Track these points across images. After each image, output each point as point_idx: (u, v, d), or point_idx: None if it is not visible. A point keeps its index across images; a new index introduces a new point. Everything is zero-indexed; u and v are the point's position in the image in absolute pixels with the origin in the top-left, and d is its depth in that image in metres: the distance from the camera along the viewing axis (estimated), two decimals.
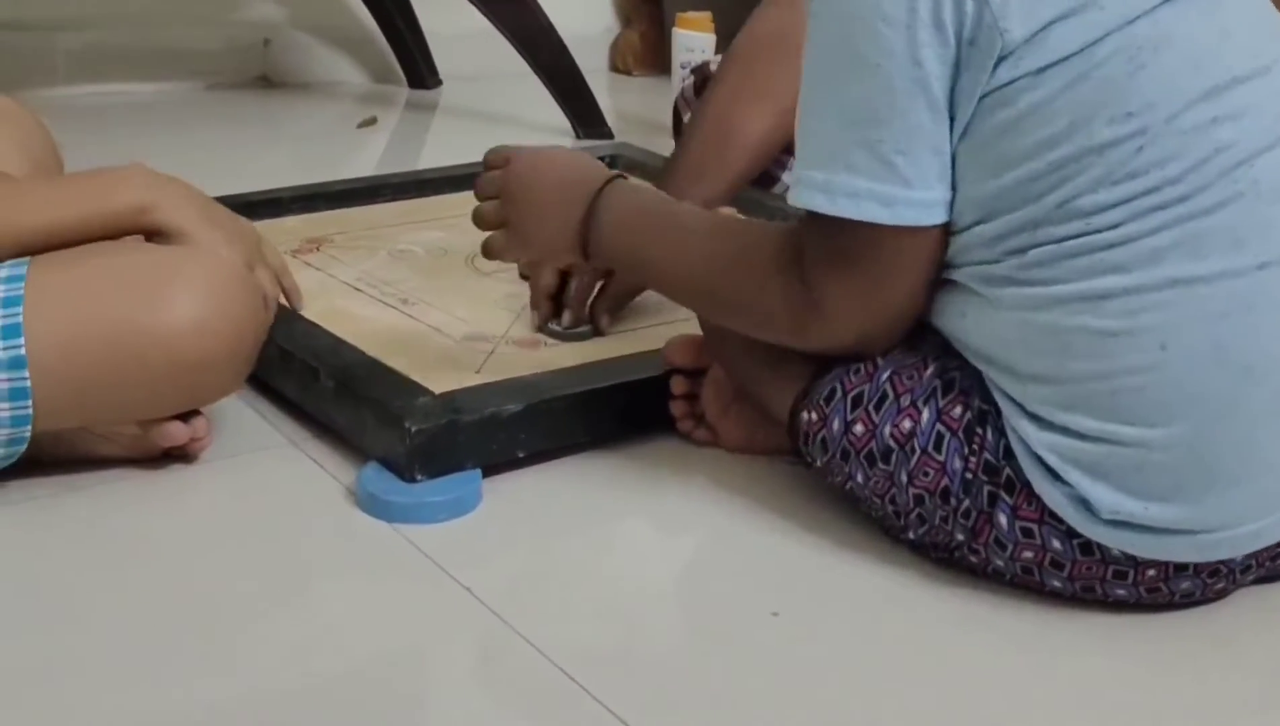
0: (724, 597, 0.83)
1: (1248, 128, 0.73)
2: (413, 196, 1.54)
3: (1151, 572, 0.77)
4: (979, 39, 0.73)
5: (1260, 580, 0.81)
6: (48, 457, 0.91)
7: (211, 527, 0.90)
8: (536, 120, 2.11)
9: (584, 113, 2.06)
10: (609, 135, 2.03)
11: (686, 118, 1.63)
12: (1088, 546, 0.77)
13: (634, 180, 0.95)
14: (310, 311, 1.14)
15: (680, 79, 1.95)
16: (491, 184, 0.95)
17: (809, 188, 0.78)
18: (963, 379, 0.80)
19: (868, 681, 0.74)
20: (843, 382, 0.84)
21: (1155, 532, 0.75)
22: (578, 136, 2.04)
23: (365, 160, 2.02)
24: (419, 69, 2.38)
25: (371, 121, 2.11)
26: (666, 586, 0.85)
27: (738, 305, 0.85)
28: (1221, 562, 0.77)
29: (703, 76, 1.64)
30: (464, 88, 2.37)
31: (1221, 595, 0.80)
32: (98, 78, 2.22)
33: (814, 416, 0.85)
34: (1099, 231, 0.72)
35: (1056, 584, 0.79)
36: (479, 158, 1.75)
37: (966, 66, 0.74)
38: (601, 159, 1.68)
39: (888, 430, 0.81)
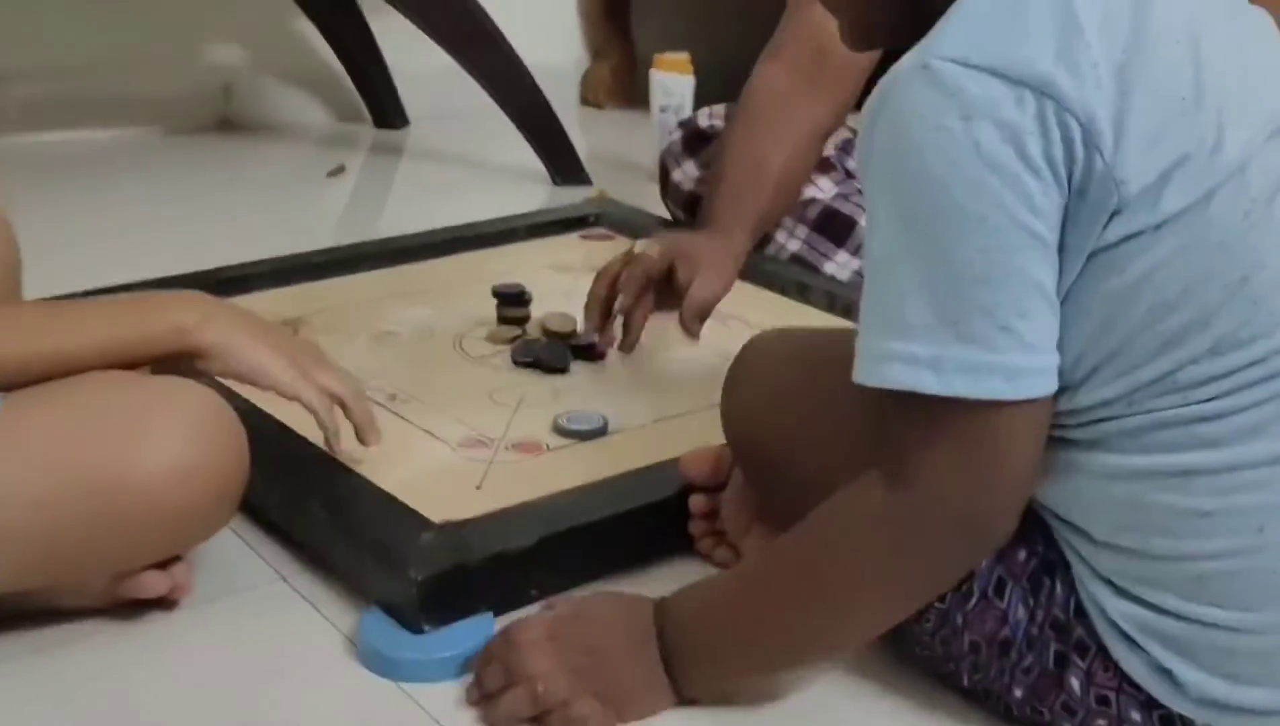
0: None
1: None
2: (391, 265, 1.46)
3: None
4: (1089, 190, 0.64)
5: None
6: (3, 611, 0.83)
7: (198, 689, 0.82)
8: (509, 163, 2.04)
9: (560, 159, 1.99)
10: (586, 181, 1.96)
11: (674, 175, 1.57)
12: (1169, 719, 0.71)
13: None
14: (292, 413, 1.05)
15: (664, 126, 1.89)
16: (541, 653, 0.76)
17: (908, 364, 0.65)
18: (1025, 521, 0.73)
19: None
20: None
21: (1247, 713, 0.69)
22: (554, 183, 1.97)
23: (331, 210, 1.94)
24: (385, 109, 2.30)
25: (340, 170, 2.03)
26: None
27: (859, 589, 0.71)
28: None
29: (692, 131, 1.58)
30: (433, 127, 2.29)
31: None
32: (53, 125, 2.12)
33: None
34: (1195, 404, 0.66)
35: None
36: (449, 208, 1.71)
37: (1074, 220, 0.65)
38: (584, 218, 1.63)
39: None
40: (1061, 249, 0.65)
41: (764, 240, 1.47)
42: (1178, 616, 0.68)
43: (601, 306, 1.17)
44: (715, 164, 1.33)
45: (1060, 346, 0.67)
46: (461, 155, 2.14)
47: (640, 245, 1.18)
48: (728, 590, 0.77)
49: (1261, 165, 0.65)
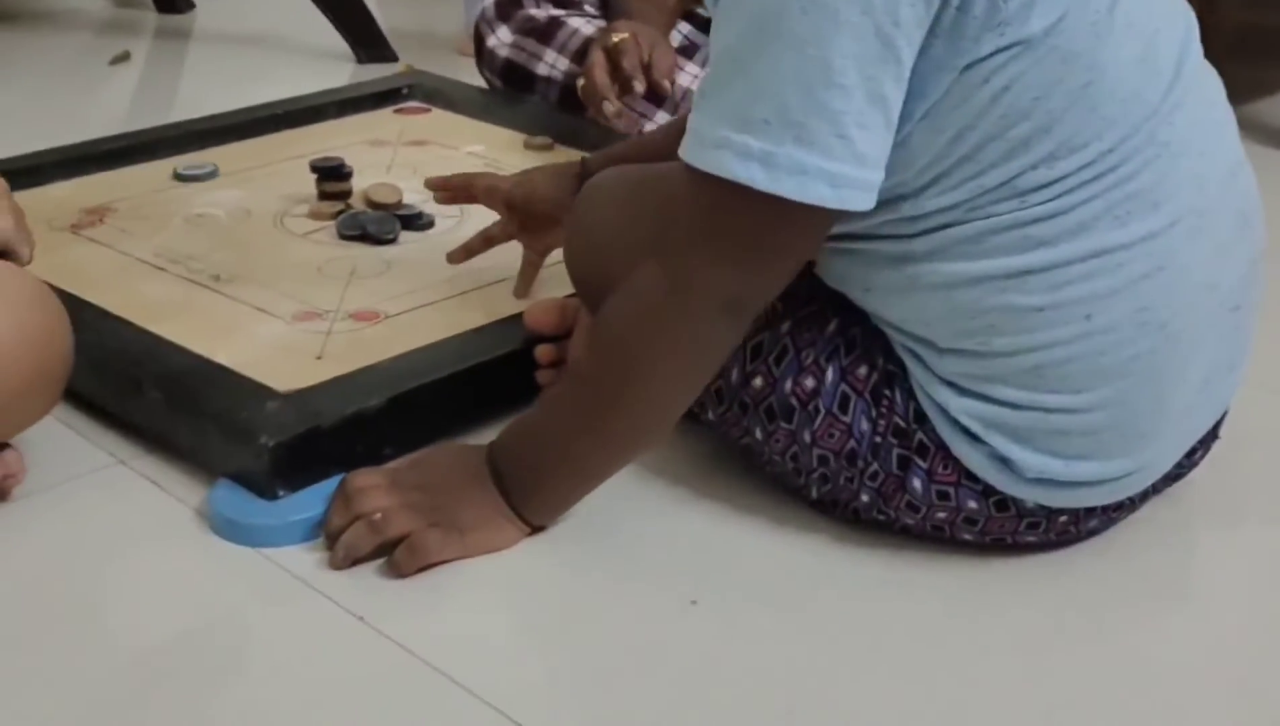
0: (633, 589, 0.78)
1: (1159, 84, 0.71)
2: (195, 149, 1.40)
3: (1064, 519, 0.78)
4: (974, 6, 0.66)
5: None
6: None
7: (49, 574, 0.79)
8: (308, 43, 1.96)
9: (362, 35, 1.92)
10: (392, 57, 1.90)
11: (489, 42, 1.54)
12: (1003, 503, 0.76)
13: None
14: (111, 300, 1.02)
15: None
16: (378, 492, 0.78)
17: (741, 156, 0.66)
18: (864, 337, 0.77)
19: (809, 668, 0.72)
20: None
21: (1073, 486, 0.76)
22: (358, 61, 1.91)
23: (119, 99, 1.83)
24: None
25: (125, 57, 1.91)
26: (566, 583, 0.79)
27: (642, 380, 0.74)
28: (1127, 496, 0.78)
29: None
30: (221, 8, 2.18)
31: (1118, 520, 0.82)
32: None
33: None
34: (1031, 207, 0.69)
35: (967, 537, 0.79)
36: (246, 93, 1.63)
37: (950, 34, 0.66)
38: (397, 91, 1.59)
39: (788, 386, 0.78)
40: (926, 61, 0.67)
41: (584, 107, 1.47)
42: (1016, 407, 0.73)
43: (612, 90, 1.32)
44: None
45: (909, 158, 0.69)
46: (255, 37, 2.04)
47: (615, 37, 1.34)
48: (542, 413, 0.79)
49: None
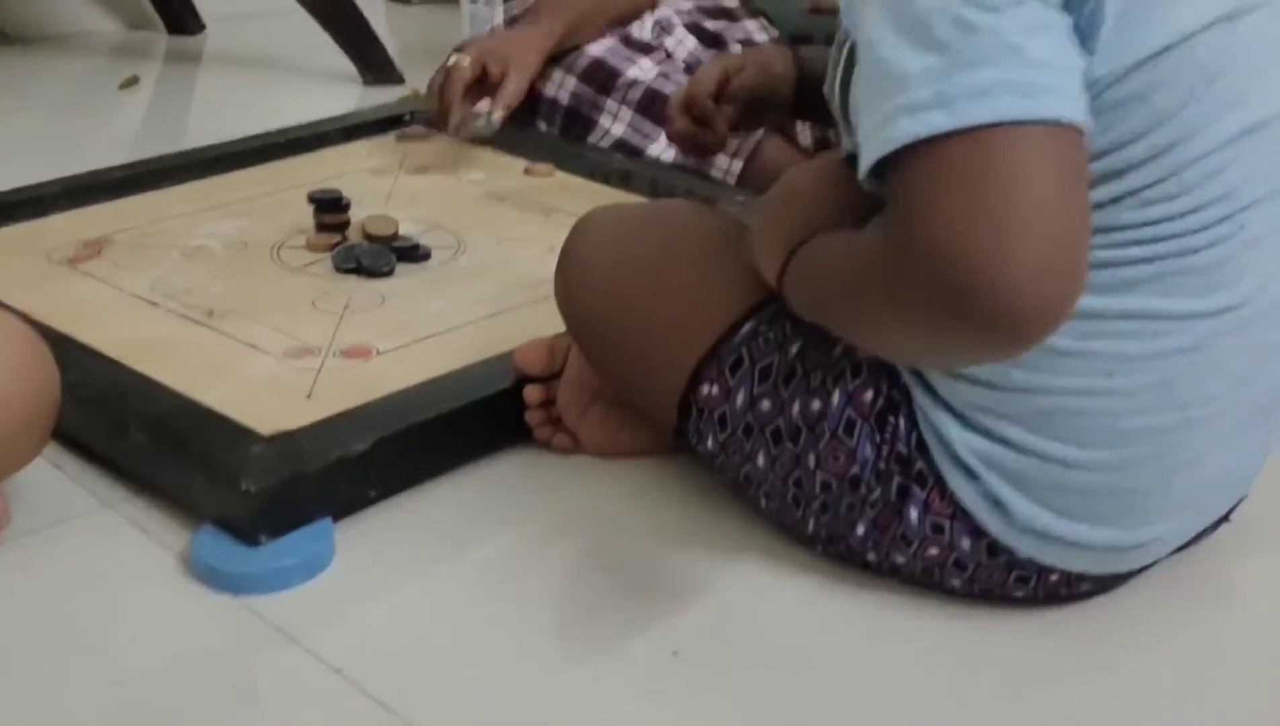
0: (617, 639, 0.77)
1: (1252, 174, 0.68)
2: (197, 178, 1.40)
3: (1054, 578, 0.76)
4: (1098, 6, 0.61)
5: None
6: None
7: (27, 621, 0.78)
8: (316, 65, 1.96)
9: (369, 58, 1.92)
10: (398, 79, 1.91)
11: None
12: (994, 548, 0.75)
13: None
14: (102, 337, 1.01)
15: (475, 19, 1.83)
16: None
17: (912, 113, 0.57)
18: (870, 362, 0.75)
19: (794, 717, 0.71)
20: (750, 351, 0.78)
21: (1066, 545, 0.74)
22: (365, 83, 1.91)
23: (127, 124, 1.83)
24: (178, 13, 2.18)
25: (133, 81, 1.91)
26: (552, 633, 0.79)
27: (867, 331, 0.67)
28: None
29: (512, 22, 1.54)
30: (231, 31, 2.19)
31: (1114, 589, 0.80)
32: None
33: (715, 390, 0.79)
34: (1090, 250, 0.65)
35: (956, 584, 0.77)
36: (255, 116, 1.64)
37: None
38: (399, 117, 1.58)
39: (796, 409, 0.77)
40: None
41: (588, 125, 1.46)
42: (1019, 449, 0.72)
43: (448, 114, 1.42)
44: None
45: None
46: (265, 59, 2.05)
47: (454, 57, 1.42)
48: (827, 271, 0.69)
49: (1216, 40, 0.65)
